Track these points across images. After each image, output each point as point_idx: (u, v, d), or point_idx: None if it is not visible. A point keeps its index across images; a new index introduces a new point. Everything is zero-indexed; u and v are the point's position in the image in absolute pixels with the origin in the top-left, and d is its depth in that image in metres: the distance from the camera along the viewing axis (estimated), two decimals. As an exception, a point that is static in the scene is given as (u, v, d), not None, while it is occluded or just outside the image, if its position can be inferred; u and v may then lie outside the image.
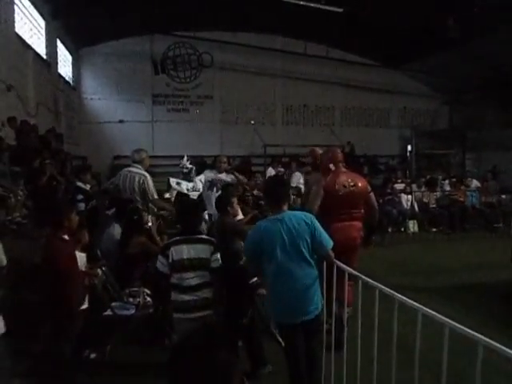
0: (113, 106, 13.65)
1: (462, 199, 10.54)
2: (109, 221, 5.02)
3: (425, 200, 10.58)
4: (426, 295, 4.77)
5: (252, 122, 14.62)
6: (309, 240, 2.80)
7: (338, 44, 14.04)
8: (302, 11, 10.38)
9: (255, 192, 8.45)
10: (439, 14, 9.86)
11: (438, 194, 10.81)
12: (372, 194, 4.25)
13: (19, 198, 4.99)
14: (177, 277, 3.05)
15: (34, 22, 9.32)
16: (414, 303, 2.15)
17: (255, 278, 3.61)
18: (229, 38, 13.40)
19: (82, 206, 5.62)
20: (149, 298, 4.06)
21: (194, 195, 6.75)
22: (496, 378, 3.08)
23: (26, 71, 8.58)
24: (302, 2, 9.97)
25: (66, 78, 12.02)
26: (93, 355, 3.69)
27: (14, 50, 7.94)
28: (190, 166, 8.61)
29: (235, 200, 4.08)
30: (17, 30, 8.04)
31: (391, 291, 2.35)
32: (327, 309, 3.14)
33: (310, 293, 2.83)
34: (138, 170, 5.21)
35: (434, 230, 9.99)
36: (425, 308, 2.08)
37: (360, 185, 4.07)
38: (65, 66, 12.06)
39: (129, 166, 5.40)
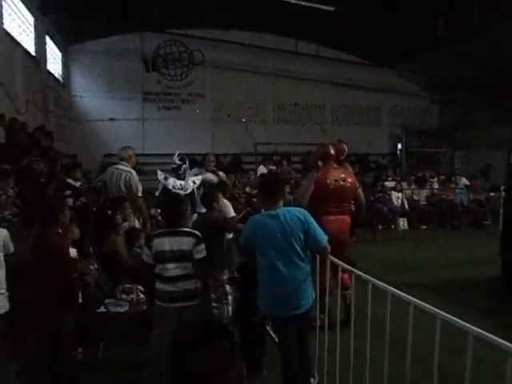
0: (103, 103, 13.51)
1: (451, 197, 10.70)
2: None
3: (415, 198, 10.72)
4: (416, 291, 4.71)
5: (243, 120, 14.61)
6: (302, 236, 2.84)
7: (329, 43, 14.07)
8: (294, 9, 10.40)
9: (247, 189, 8.47)
10: (430, 14, 9.96)
11: (428, 191, 10.96)
12: (360, 190, 4.52)
13: (9, 195, 4.95)
14: (159, 267, 3.15)
15: (22, 18, 9.21)
16: (407, 295, 2.19)
17: None
18: (220, 36, 13.34)
19: (69, 201, 5.58)
20: (142, 295, 4.06)
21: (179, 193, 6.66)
22: (483, 366, 3.14)
23: (15, 68, 8.47)
24: (293, 1, 9.98)
25: (56, 76, 11.88)
26: (82, 355, 3.66)
27: (3, 46, 7.84)
28: (179, 162, 8.51)
29: (220, 195, 4.15)
30: (5, 26, 7.94)
31: (384, 285, 2.39)
32: (320, 305, 3.19)
33: (303, 288, 2.86)
34: (124, 167, 5.26)
35: (424, 227, 10.14)
36: (417, 301, 2.13)
37: (350, 180, 4.32)
38: (54, 63, 11.92)
39: (117, 163, 5.43)
